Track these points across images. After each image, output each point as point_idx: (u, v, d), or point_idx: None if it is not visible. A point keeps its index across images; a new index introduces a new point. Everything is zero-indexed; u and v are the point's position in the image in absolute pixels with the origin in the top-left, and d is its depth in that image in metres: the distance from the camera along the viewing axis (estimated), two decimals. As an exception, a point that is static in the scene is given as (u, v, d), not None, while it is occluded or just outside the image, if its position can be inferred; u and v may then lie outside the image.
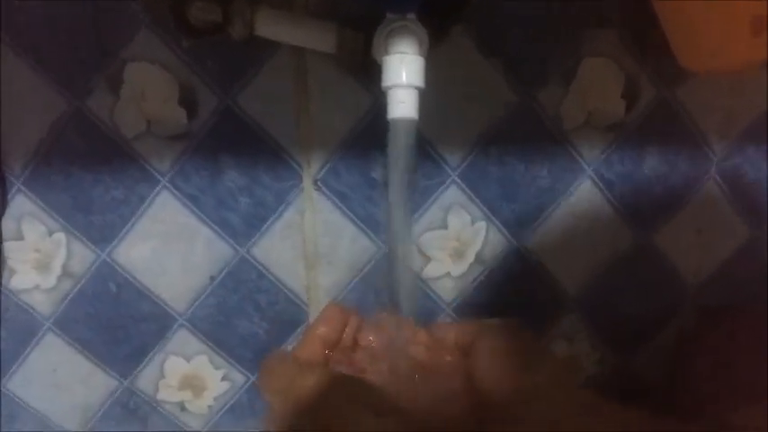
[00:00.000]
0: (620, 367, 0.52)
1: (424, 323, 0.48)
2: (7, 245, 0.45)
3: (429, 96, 0.35)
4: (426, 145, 0.44)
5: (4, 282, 0.46)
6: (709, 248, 0.49)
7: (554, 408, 0.29)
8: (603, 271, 0.49)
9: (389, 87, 0.31)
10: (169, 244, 0.46)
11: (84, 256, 0.46)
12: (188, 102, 0.42)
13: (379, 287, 0.48)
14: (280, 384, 0.32)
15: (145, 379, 0.50)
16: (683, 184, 0.47)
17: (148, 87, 0.41)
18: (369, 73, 0.40)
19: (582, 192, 0.46)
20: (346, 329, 0.37)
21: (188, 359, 0.50)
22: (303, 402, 0.30)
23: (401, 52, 0.32)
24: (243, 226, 0.46)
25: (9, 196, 0.44)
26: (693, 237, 0.48)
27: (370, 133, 0.44)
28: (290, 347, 0.49)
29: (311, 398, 0.30)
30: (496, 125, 0.44)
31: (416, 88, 0.31)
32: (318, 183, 0.45)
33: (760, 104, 0.46)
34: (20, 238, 0.45)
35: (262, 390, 0.33)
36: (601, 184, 0.46)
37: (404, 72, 0.31)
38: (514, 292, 0.49)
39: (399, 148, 0.33)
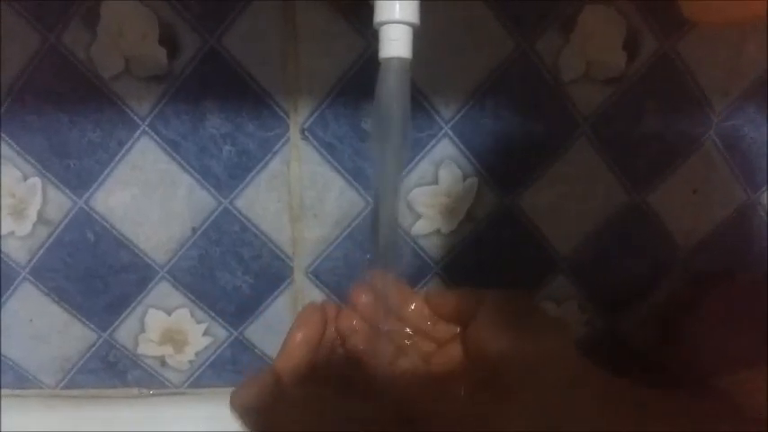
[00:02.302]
0: (608, 330, 0.51)
1: (414, 283, 0.47)
2: (-21, 189, 0.43)
3: (423, 44, 0.33)
4: (418, 95, 0.42)
5: (-24, 228, 0.45)
6: (703, 210, 0.48)
7: (555, 381, 0.28)
8: (595, 231, 0.48)
9: (381, 24, 0.29)
10: (149, 192, 0.44)
11: (60, 203, 0.44)
12: (169, 41, 0.40)
13: (367, 243, 0.47)
14: (254, 412, 0.30)
15: (124, 332, 0.49)
16: (680, 143, 0.46)
17: (126, 24, 0.39)
18: (361, 14, 0.39)
19: (577, 148, 0.45)
20: (328, 326, 0.35)
21: (169, 312, 0.48)
22: (273, 426, 0.29)
23: (395, -14, 0.30)
24: (226, 175, 0.44)
25: (-20, 137, 0.42)
26: (688, 197, 0.47)
27: (361, 80, 0.42)
28: (273, 308, 0.48)
29: (290, 422, 0.29)
30: (493, 76, 0.42)
31: (411, 25, 0.29)
32: (305, 132, 0.43)
33: (761, 63, 0.45)
34: (-7, 182, 0.43)
35: (236, 418, 0.31)
36: (597, 141, 0.45)
37: (397, 6, 0.29)
38: (504, 252, 0.48)
39: (391, 91, 0.31)
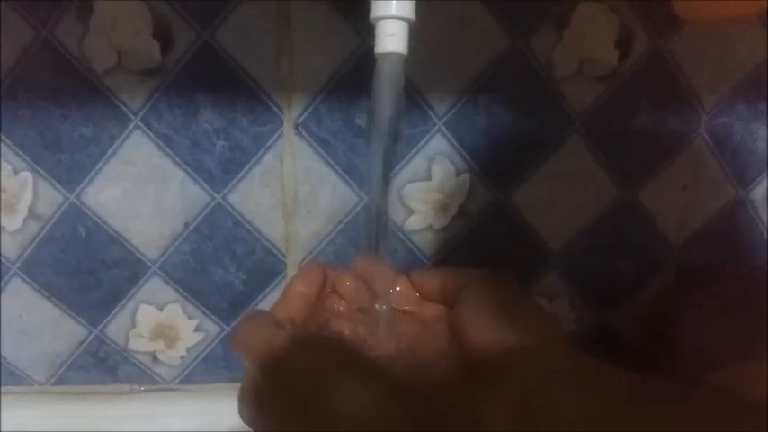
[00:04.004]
0: (599, 325, 0.52)
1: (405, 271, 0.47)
2: (-31, 183, 0.43)
3: (417, 40, 0.33)
4: (412, 91, 0.43)
5: (-34, 222, 0.44)
6: (693, 206, 0.48)
7: (540, 367, 0.28)
8: (587, 227, 0.48)
9: (378, 19, 0.29)
10: (141, 187, 0.44)
11: (51, 198, 0.44)
12: (162, 35, 0.40)
13: (360, 239, 0.47)
14: (254, 346, 0.30)
15: (115, 328, 0.49)
16: (671, 140, 0.46)
17: (120, 18, 0.39)
18: (355, 10, 0.39)
19: (569, 145, 0.45)
20: (326, 286, 0.36)
21: (160, 308, 0.48)
22: (278, 365, 0.29)
23: (391, -19, 0.30)
24: (219, 170, 0.44)
25: (-30, 131, 0.41)
26: (678, 194, 0.48)
27: (355, 77, 0.42)
28: (266, 300, 0.48)
29: (288, 361, 0.28)
30: (486, 72, 0.43)
31: (407, 20, 0.29)
32: (299, 127, 0.43)
33: (752, 60, 0.45)
34: (-17, 176, 0.43)
35: (236, 351, 0.31)
36: (589, 137, 0.45)
37: (394, 2, 0.29)
38: (497, 248, 0.48)
39: (386, 86, 0.31)
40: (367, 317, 0.35)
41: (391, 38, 0.30)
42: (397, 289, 0.36)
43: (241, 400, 0.31)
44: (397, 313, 0.35)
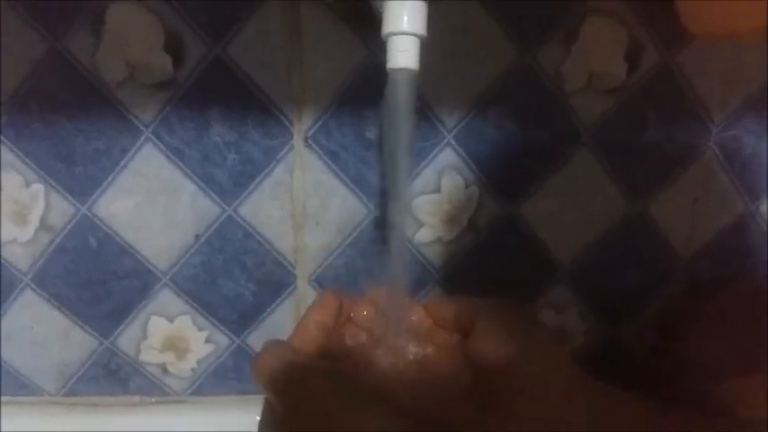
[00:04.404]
0: (607, 338, 0.52)
1: (416, 291, 0.47)
2: (-17, 195, 0.43)
3: (426, 53, 0.33)
4: (422, 104, 0.43)
5: (-21, 234, 0.44)
6: (703, 219, 0.48)
7: (549, 392, 0.28)
8: (596, 240, 0.48)
9: (390, 35, 0.30)
10: (152, 199, 0.44)
11: (63, 209, 0.44)
12: (174, 48, 0.40)
13: (368, 252, 0.47)
14: (274, 376, 0.31)
15: (126, 339, 0.49)
16: (680, 153, 0.46)
17: (132, 31, 0.40)
18: (366, 24, 0.39)
19: (578, 158, 0.45)
20: (342, 314, 0.36)
21: (171, 320, 0.48)
22: (299, 396, 0.29)
23: (403, -4, 0.30)
24: (230, 183, 0.44)
25: (-16, 144, 0.42)
26: (688, 207, 0.48)
27: (364, 90, 0.42)
28: (276, 316, 0.48)
29: (307, 391, 0.29)
30: (495, 86, 0.43)
31: (419, 36, 0.30)
32: (309, 140, 0.43)
33: (760, 74, 0.45)
34: (-4, 188, 0.43)
35: (256, 381, 0.32)
36: (598, 151, 0.45)
37: (405, 18, 0.29)
38: (505, 260, 0.48)
39: (399, 101, 0.31)
40: (383, 345, 0.35)
41: (404, 53, 0.30)
42: (413, 318, 0.36)
43: (260, 428, 0.31)
44: (412, 341, 0.35)
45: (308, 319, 0.34)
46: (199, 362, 0.50)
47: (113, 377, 0.50)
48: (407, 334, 0.35)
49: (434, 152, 0.44)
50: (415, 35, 0.30)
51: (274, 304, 0.48)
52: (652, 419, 0.27)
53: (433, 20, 0.33)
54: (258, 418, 0.31)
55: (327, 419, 0.27)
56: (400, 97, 0.30)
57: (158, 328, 0.48)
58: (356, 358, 0.34)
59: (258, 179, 0.44)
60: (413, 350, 0.35)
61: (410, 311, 0.36)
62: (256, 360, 0.32)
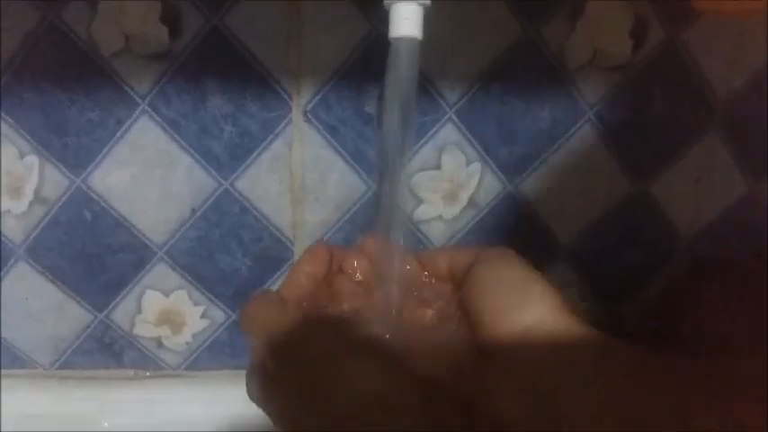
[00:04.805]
0: (609, 318, 0.52)
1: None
2: (-25, 166, 0.43)
3: (429, 27, 0.32)
4: (423, 79, 0.42)
5: (-29, 205, 0.44)
6: (705, 199, 0.48)
7: (548, 343, 0.27)
8: (597, 219, 0.48)
9: (393, 2, 0.29)
10: (148, 172, 0.43)
11: (57, 182, 0.43)
12: (171, 19, 0.39)
13: (367, 228, 0.47)
14: (262, 325, 0.30)
15: (121, 313, 0.49)
16: (684, 133, 0.46)
17: (128, 1, 0.38)
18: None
19: (581, 136, 0.45)
20: (333, 266, 0.35)
21: (166, 294, 0.48)
22: (287, 345, 0.28)
23: (406, -38, 0.29)
24: (227, 156, 0.43)
25: (-24, 113, 0.41)
26: (691, 186, 0.47)
27: (365, 63, 0.41)
28: (273, 287, 0.48)
29: (296, 340, 0.28)
30: (499, 61, 0.42)
31: (422, 4, 0.29)
32: (308, 114, 0.43)
33: (765, 53, 0.45)
34: (-11, 159, 0.42)
35: (243, 331, 0.31)
36: (601, 129, 0.45)
37: (409, -15, 0.28)
38: (506, 238, 0.48)
39: (400, 71, 0.30)
40: (375, 296, 0.34)
41: (406, 21, 0.29)
42: (406, 268, 0.35)
43: (249, 380, 0.30)
44: (405, 292, 0.34)
45: (298, 271, 0.33)
46: (194, 336, 0.50)
47: (108, 351, 0.50)
48: (401, 285, 0.35)
49: (435, 128, 0.44)
50: (418, 3, 0.29)
51: (271, 280, 0.48)
52: (645, 365, 0.26)
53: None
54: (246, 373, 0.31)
55: (320, 373, 0.27)
56: (402, 68, 0.30)
57: (153, 302, 0.48)
58: (348, 310, 0.33)
59: (256, 153, 0.43)
60: (407, 301, 0.34)
61: (403, 262, 0.35)
62: (245, 310, 0.31)
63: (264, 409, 0.30)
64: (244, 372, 0.31)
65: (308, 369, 0.27)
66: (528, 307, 0.28)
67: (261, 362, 0.29)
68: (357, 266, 0.35)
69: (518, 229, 0.47)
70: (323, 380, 0.27)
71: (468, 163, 0.45)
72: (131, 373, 0.52)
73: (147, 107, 0.41)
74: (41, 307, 0.48)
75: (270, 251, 0.47)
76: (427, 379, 0.27)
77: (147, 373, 0.52)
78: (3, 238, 0.45)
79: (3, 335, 0.49)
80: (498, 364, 0.28)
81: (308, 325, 0.29)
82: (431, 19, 0.30)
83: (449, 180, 0.45)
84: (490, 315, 0.29)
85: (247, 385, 0.30)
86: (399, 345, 0.30)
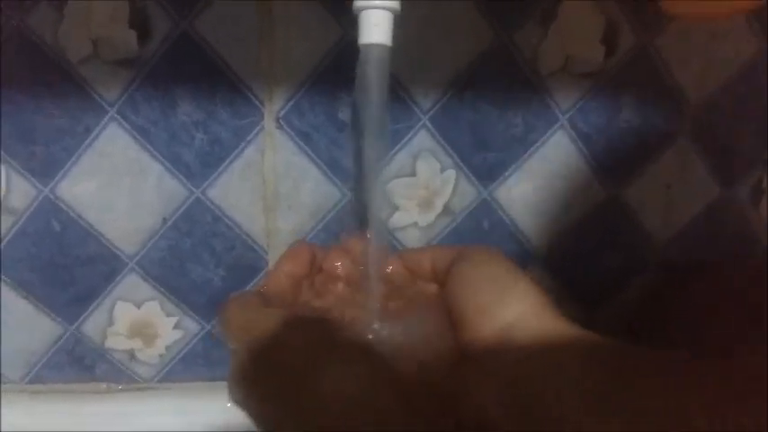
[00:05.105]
0: (584, 323, 0.51)
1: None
2: (-62, 176, 0.42)
3: (401, 34, 0.32)
4: (397, 86, 0.42)
5: (-65, 216, 0.43)
6: (677, 205, 0.48)
7: (531, 342, 0.27)
8: (571, 225, 0.48)
9: (361, 9, 0.29)
10: (117, 181, 0.43)
11: (24, 191, 0.43)
12: (139, 23, 0.39)
13: (342, 236, 0.46)
14: (242, 326, 0.29)
15: (92, 325, 0.48)
16: (656, 138, 0.46)
17: (95, 5, 0.38)
18: (339, 1, 0.38)
19: (554, 142, 0.45)
20: (314, 266, 0.35)
21: (138, 305, 0.47)
22: (267, 346, 0.28)
23: (376, -31, 0.29)
24: (198, 164, 0.43)
25: (-61, 122, 0.40)
26: (662, 192, 0.47)
27: (337, 69, 0.41)
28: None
29: (276, 341, 0.28)
30: (472, 67, 0.42)
31: (392, 11, 0.29)
32: (281, 121, 0.42)
33: (737, 58, 0.45)
34: (-48, 168, 0.41)
35: (223, 332, 0.30)
36: (574, 135, 0.45)
37: (377, -9, 0.28)
38: (481, 245, 0.48)
39: (370, 79, 0.30)
40: (357, 295, 0.34)
41: (376, 28, 0.29)
42: (389, 269, 0.35)
43: (230, 382, 0.30)
44: (388, 292, 0.34)
45: (279, 270, 0.33)
46: (167, 348, 0.49)
47: (79, 364, 0.49)
48: (384, 285, 0.34)
49: (409, 135, 0.44)
50: (388, 9, 0.29)
51: (245, 289, 0.47)
52: (637, 365, 0.26)
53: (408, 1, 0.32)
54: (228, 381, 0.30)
55: (301, 374, 0.26)
56: (372, 75, 0.29)
57: (125, 313, 0.47)
58: (329, 310, 0.33)
59: (228, 160, 0.43)
60: (389, 301, 0.34)
61: (387, 262, 0.35)
62: (223, 311, 0.30)
63: (246, 411, 0.29)
64: (219, 383, 0.30)
65: (287, 369, 0.27)
66: (511, 303, 0.28)
67: (241, 363, 0.29)
68: (339, 266, 0.35)
69: (493, 236, 0.47)
70: (305, 381, 0.26)
71: (443, 170, 0.45)
72: (104, 386, 0.50)
73: (115, 114, 0.41)
74: (10, 320, 0.47)
75: (243, 260, 0.46)
76: (410, 380, 0.27)
77: (120, 387, 0.51)
78: (-32, 250, 0.44)
79: (-30, 349, 0.48)
80: (481, 364, 0.27)
81: (288, 325, 0.28)
82: (403, 25, 0.30)
83: (424, 187, 0.45)
84: (473, 313, 0.28)
85: (229, 388, 0.30)
86: (382, 345, 0.30)
